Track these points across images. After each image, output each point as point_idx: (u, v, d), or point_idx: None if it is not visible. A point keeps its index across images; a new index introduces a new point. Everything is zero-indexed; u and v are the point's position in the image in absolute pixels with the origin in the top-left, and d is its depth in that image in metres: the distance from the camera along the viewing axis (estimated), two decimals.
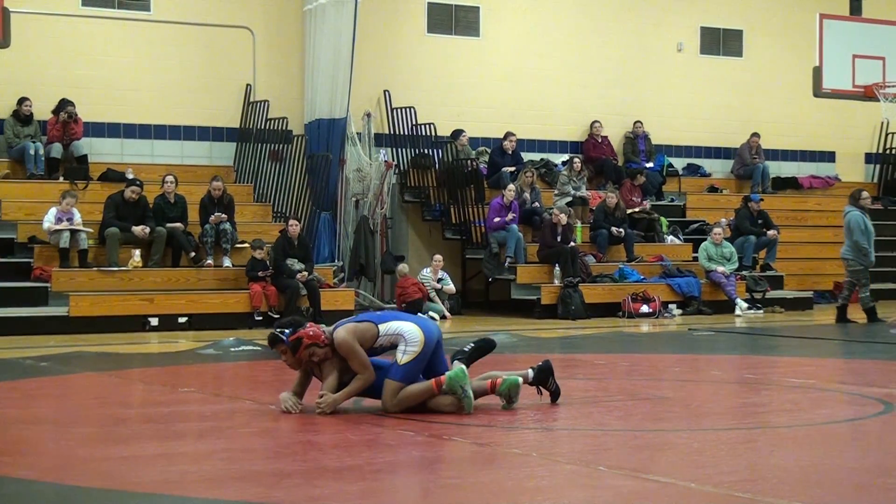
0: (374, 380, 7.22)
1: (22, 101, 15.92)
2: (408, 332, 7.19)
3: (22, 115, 15.92)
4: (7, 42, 15.92)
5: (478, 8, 19.11)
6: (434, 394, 7.20)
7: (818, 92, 19.95)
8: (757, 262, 18.62)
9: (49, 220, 14.41)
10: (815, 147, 21.92)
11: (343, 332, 7.22)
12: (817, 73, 19.41)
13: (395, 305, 15.75)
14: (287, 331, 7.35)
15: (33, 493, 5.39)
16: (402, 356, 7.16)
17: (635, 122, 19.99)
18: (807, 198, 21.05)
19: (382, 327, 7.23)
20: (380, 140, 18.09)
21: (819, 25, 18.85)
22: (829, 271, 20.09)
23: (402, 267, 16.38)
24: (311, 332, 7.28)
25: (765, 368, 10.69)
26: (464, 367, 7.26)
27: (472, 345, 7.75)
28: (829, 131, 21.86)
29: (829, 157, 22.06)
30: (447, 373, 7.20)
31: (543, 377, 7.65)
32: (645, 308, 16.33)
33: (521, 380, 7.45)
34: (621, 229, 17.55)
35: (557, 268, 16.37)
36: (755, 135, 20.70)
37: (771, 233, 18.57)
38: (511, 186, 17.09)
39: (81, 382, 9.63)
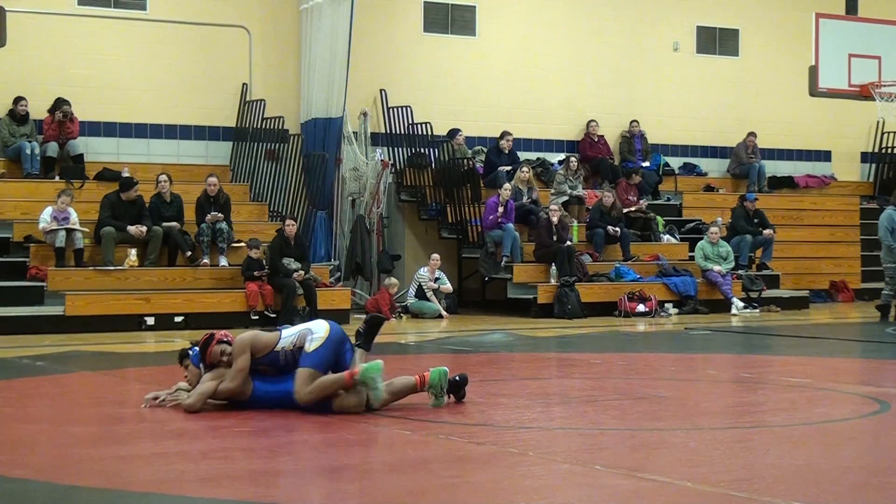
0: (237, 392, 7.25)
1: (18, 100, 15.91)
2: (314, 325, 7.33)
3: (18, 115, 15.90)
4: (3, 41, 15.86)
5: (474, 7, 19.11)
6: (347, 385, 7.18)
7: (814, 91, 19.91)
8: (753, 261, 18.63)
9: (45, 220, 14.39)
10: (811, 146, 21.94)
11: (246, 334, 7.37)
12: (813, 72, 19.37)
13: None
14: (195, 348, 7.48)
15: (29, 493, 5.38)
16: (310, 344, 7.22)
17: (632, 122, 20.00)
18: (803, 197, 21.07)
19: (286, 332, 7.34)
20: (376, 139, 18.08)
21: (815, 25, 18.81)
22: (826, 270, 20.15)
23: (391, 281, 16.18)
24: (223, 333, 7.45)
25: (761, 367, 10.70)
26: (380, 361, 7.26)
27: (364, 325, 7.70)
28: (825, 130, 21.89)
29: (825, 156, 22.09)
30: (362, 365, 7.21)
31: (458, 389, 7.65)
32: (641, 307, 16.34)
33: (447, 369, 7.48)
34: (617, 228, 17.56)
35: (554, 267, 16.37)
36: (751, 134, 20.71)
37: (767, 232, 18.59)
38: (507, 185, 17.10)
39: (77, 382, 9.63)
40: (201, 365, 7.45)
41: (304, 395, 7.15)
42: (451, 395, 7.64)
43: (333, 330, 7.31)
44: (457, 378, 7.70)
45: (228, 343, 7.33)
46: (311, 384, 7.14)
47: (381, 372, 7.21)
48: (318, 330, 7.29)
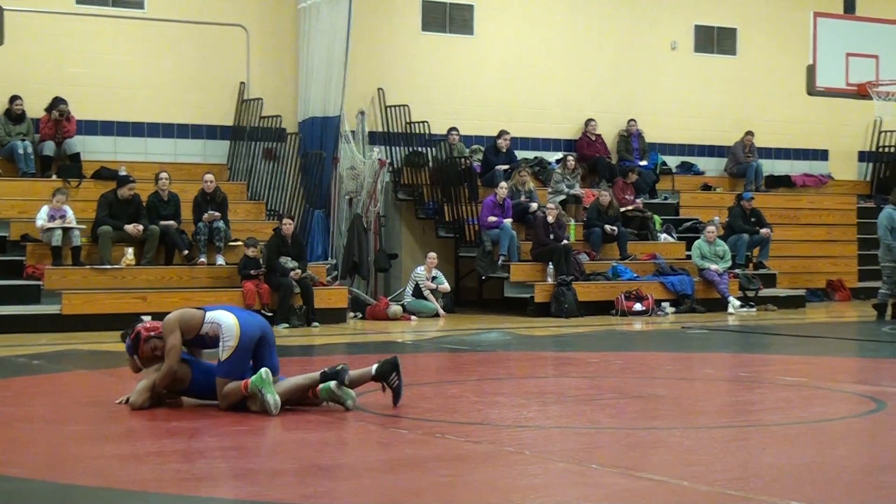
0: (173, 369, 7.35)
1: (13, 99, 15.88)
2: (225, 325, 7.31)
3: (13, 114, 15.88)
4: (1, 39, 15.86)
5: (472, 6, 19.10)
6: (244, 395, 7.27)
7: (812, 90, 19.90)
8: (750, 260, 18.64)
9: (42, 218, 14.38)
10: (808, 145, 21.94)
11: (172, 315, 7.46)
12: (811, 71, 19.38)
13: None
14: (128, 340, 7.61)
15: (26, 492, 5.37)
16: (222, 352, 7.30)
17: (629, 121, 20.00)
18: (800, 196, 21.07)
19: (209, 315, 7.39)
20: (373, 138, 18.07)
21: (813, 23, 18.81)
22: (822, 269, 20.14)
23: (396, 309, 16.02)
24: (147, 326, 7.56)
25: (757, 366, 10.71)
26: (266, 370, 7.23)
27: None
28: (823, 130, 21.88)
29: (822, 155, 22.09)
30: (252, 377, 7.25)
31: (386, 372, 7.40)
32: (638, 306, 16.34)
33: (333, 384, 7.29)
34: (614, 227, 17.56)
35: (551, 266, 16.37)
36: (749, 133, 20.72)
37: (764, 231, 18.59)
38: (503, 184, 17.09)
39: (74, 380, 9.63)
40: (135, 356, 7.58)
41: (220, 402, 7.36)
42: (384, 385, 7.43)
43: (243, 337, 7.27)
44: (385, 361, 7.44)
45: (158, 337, 7.44)
46: (222, 392, 7.31)
47: (268, 383, 7.16)
48: (229, 335, 7.27)
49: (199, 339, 7.44)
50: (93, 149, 16.54)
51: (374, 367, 7.46)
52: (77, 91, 16.36)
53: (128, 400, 7.55)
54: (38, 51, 16.36)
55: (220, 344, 7.30)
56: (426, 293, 16.30)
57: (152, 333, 7.48)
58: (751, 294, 17.60)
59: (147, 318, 7.69)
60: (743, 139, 20.73)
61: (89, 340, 12.42)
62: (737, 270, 17.76)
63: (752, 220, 18.69)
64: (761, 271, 18.45)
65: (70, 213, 14.48)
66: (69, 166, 15.93)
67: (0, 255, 14.82)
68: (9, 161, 15.82)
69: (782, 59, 21.18)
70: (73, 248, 14.41)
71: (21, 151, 15.65)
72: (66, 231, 14.36)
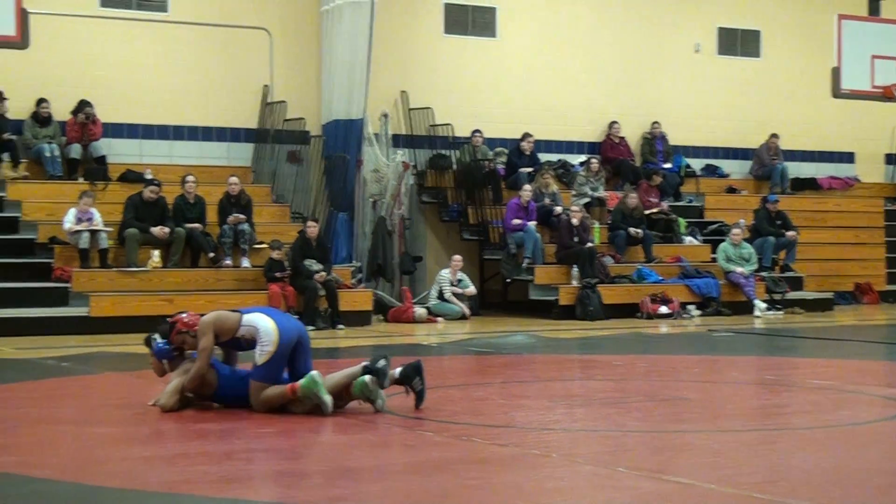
0: (205, 370, 7.35)
1: (40, 102, 15.98)
2: (263, 329, 7.27)
3: (40, 116, 15.98)
4: (26, 43, 15.99)
5: (494, 9, 19.09)
6: (291, 399, 7.27)
7: (837, 92, 19.85)
8: (776, 263, 18.55)
9: (69, 221, 14.46)
10: (833, 148, 21.82)
11: (208, 316, 7.44)
12: (836, 73, 19.33)
13: None
14: (158, 336, 7.59)
15: (53, 493, 5.40)
16: (259, 356, 7.26)
17: (653, 123, 19.94)
18: (826, 199, 20.94)
19: (245, 317, 7.37)
20: (397, 141, 18.09)
21: (837, 26, 18.76)
22: (850, 272, 20.01)
23: (422, 312, 16.03)
24: (186, 320, 7.53)
25: (785, 370, 10.64)
26: (317, 372, 7.24)
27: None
28: (849, 132, 21.76)
29: (848, 157, 21.96)
30: (300, 381, 7.22)
31: (410, 376, 7.38)
32: (663, 309, 16.28)
33: (369, 379, 7.23)
34: (640, 230, 17.51)
35: (576, 269, 16.34)
36: (774, 135, 20.61)
37: (790, 234, 18.49)
38: (527, 187, 17.07)
39: (102, 382, 9.67)
40: (164, 360, 7.60)
41: (256, 406, 7.34)
42: (407, 388, 7.42)
43: (281, 341, 7.26)
44: (409, 364, 7.42)
45: (190, 334, 7.45)
46: (259, 396, 7.30)
47: (319, 385, 7.16)
48: (267, 340, 7.24)
49: (235, 342, 7.42)
50: (118, 151, 16.61)
51: (397, 370, 7.42)
52: (102, 94, 16.44)
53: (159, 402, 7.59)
54: (64, 54, 16.45)
55: (258, 348, 7.26)
56: (448, 296, 16.29)
57: (185, 329, 7.47)
58: (777, 297, 17.51)
59: (185, 314, 7.65)
60: (768, 141, 20.63)
61: (117, 342, 12.47)
62: (763, 273, 17.68)
63: (778, 222, 18.59)
64: (788, 274, 18.35)
65: (97, 216, 14.56)
66: (95, 169, 16.02)
67: (28, 258, 14.91)
68: (36, 164, 15.92)
69: (807, 62, 21.08)
70: (101, 250, 14.48)
71: (48, 154, 15.75)
72: (94, 233, 14.44)
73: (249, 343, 7.34)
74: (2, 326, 12.99)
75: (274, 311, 7.65)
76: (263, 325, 7.27)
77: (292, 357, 7.36)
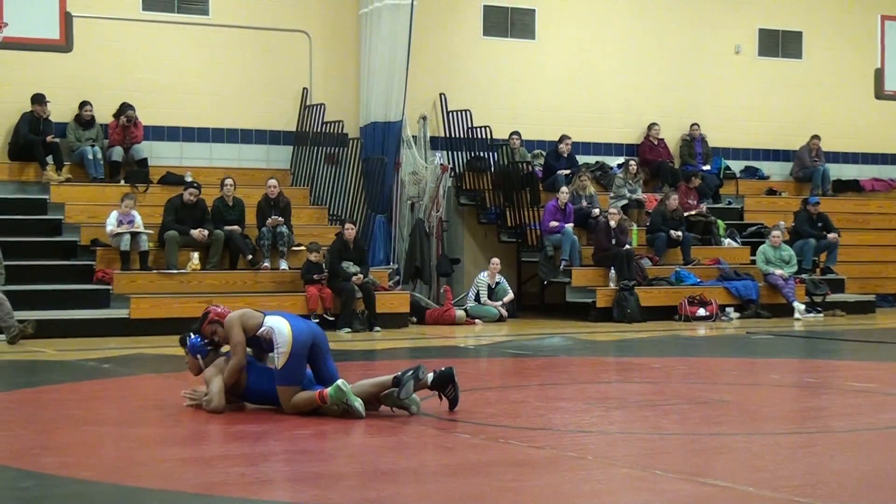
0: (243, 363, 7.49)
1: (83, 104, 16.14)
2: (278, 331, 7.39)
3: (83, 119, 16.15)
4: (70, 46, 16.18)
5: (533, 10, 19.08)
6: (320, 405, 7.34)
7: (880, 94, 19.67)
8: (817, 265, 18.39)
9: (111, 223, 14.59)
10: (876, 149, 21.60)
11: (235, 313, 7.62)
12: (879, 74, 19.14)
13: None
14: (193, 335, 7.78)
15: (94, 494, 5.46)
16: (277, 359, 7.38)
17: (692, 125, 19.84)
18: (868, 200, 20.75)
19: (266, 319, 7.52)
20: (435, 143, 18.12)
21: (880, 26, 18.60)
22: (893, 275, 19.80)
23: (460, 314, 15.92)
24: (219, 311, 7.73)
25: (824, 372, 10.56)
26: (342, 381, 7.30)
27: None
28: (892, 133, 21.53)
29: (891, 159, 21.72)
30: (328, 389, 7.29)
31: (443, 383, 7.42)
32: (702, 311, 16.20)
33: (397, 391, 7.28)
34: (679, 232, 17.43)
35: (613, 271, 16.29)
36: (815, 137, 20.44)
37: (831, 236, 18.33)
38: (565, 189, 17.04)
39: (142, 384, 9.76)
40: (199, 356, 7.76)
41: (287, 410, 7.42)
42: (441, 394, 7.47)
43: (295, 343, 7.35)
44: (442, 371, 7.44)
45: (221, 325, 7.61)
46: (289, 401, 7.39)
47: (347, 392, 7.23)
48: (282, 342, 7.35)
49: (255, 340, 7.54)
50: (159, 154, 16.75)
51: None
52: (144, 97, 16.59)
53: (191, 396, 7.70)
54: (106, 57, 16.61)
55: (275, 350, 7.39)
56: (483, 299, 16.27)
57: (217, 319, 7.66)
58: (818, 299, 17.36)
59: (220, 306, 7.81)
60: (809, 143, 20.46)
61: (157, 344, 12.58)
62: (803, 275, 17.53)
63: (819, 224, 18.44)
64: (829, 276, 18.20)
65: (138, 218, 14.68)
66: (137, 171, 16.16)
67: (71, 260, 15.07)
68: (79, 166, 16.08)
69: (849, 63, 20.89)
70: (141, 252, 14.61)
71: (91, 157, 15.91)
72: (135, 236, 14.57)
73: (268, 343, 7.46)
74: (45, 328, 13.12)
75: (291, 316, 7.76)
76: (279, 327, 7.42)
77: (312, 359, 7.47)
